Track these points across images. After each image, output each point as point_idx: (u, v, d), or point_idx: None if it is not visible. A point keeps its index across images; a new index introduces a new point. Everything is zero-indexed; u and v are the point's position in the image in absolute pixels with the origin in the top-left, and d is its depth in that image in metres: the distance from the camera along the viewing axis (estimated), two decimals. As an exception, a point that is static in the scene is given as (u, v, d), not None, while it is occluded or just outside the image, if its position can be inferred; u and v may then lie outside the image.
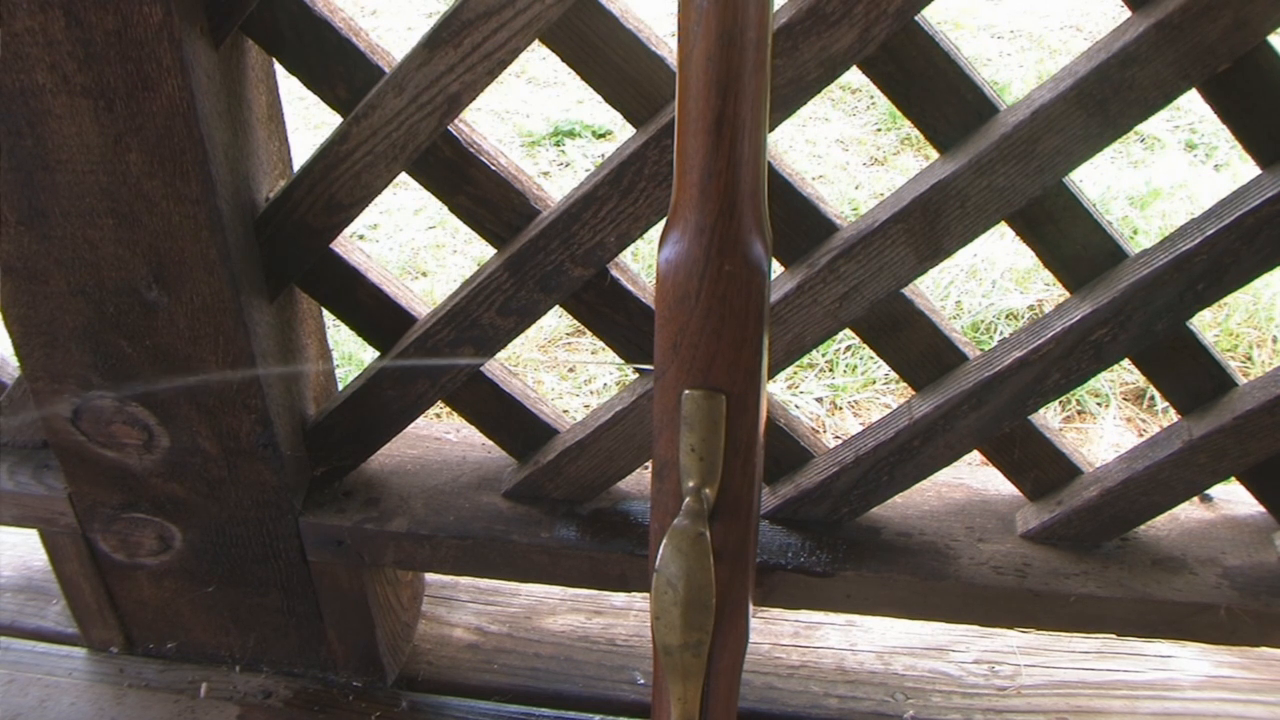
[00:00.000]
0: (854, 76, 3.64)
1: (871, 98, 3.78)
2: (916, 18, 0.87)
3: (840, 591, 1.12)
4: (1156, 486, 1.05)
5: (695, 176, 0.67)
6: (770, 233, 0.71)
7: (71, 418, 1.10)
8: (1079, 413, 2.45)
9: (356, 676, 1.30)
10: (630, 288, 1.04)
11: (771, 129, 0.79)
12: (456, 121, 0.97)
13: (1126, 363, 1.02)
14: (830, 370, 2.54)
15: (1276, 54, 0.87)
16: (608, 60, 0.92)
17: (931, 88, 0.92)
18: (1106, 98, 0.87)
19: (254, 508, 1.16)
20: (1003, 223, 0.95)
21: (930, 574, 1.09)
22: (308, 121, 3.50)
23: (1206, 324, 2.63)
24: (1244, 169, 3.26)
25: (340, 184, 0.98)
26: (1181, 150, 3.45)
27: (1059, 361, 0.99)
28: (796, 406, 2.45)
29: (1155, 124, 3.52)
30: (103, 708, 1.28)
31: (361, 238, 3.08)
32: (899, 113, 0.98)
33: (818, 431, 2.35)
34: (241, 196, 0.99)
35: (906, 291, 1.01)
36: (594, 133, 3.67)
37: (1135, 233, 3.01)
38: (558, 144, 3.62)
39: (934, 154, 0.96)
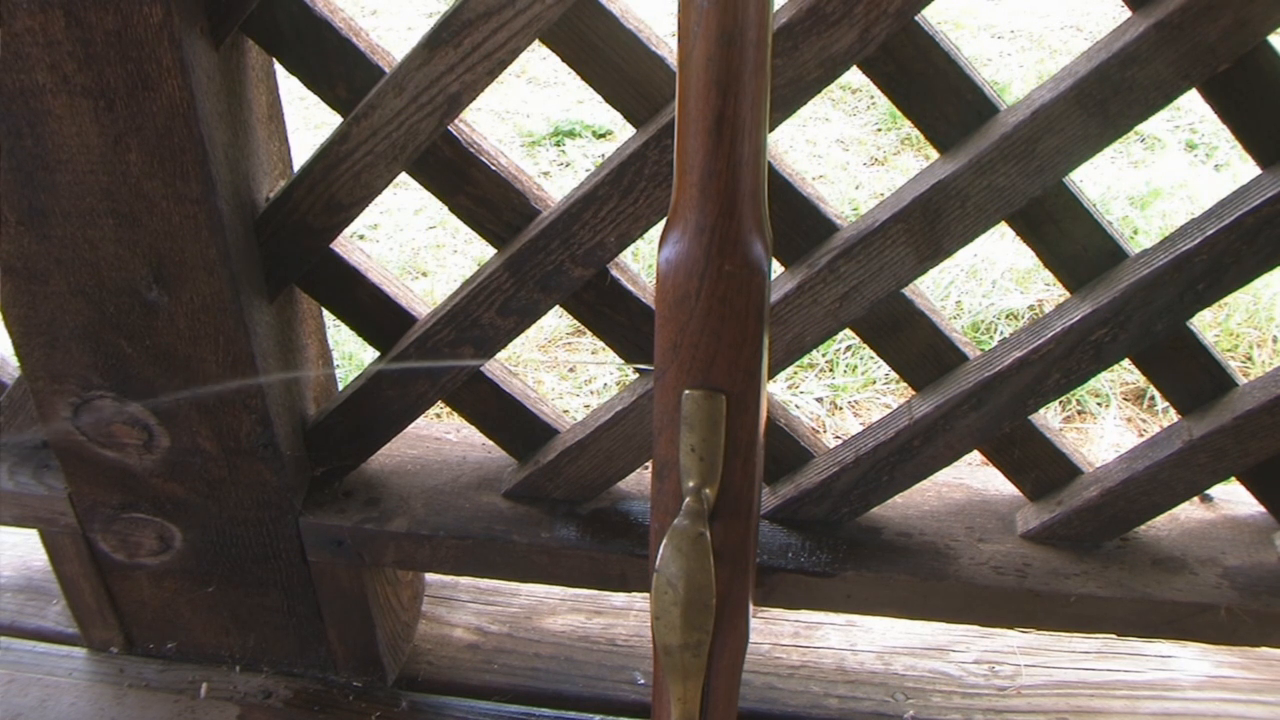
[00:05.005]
0: (854, 76, 3.64)
1: (871, 98, 3.78)
2: (916, 18, 0.87)
3: (840, 591, 1.12)
4: (1156, 486, 1.05)
5: (695, 176, 0.67)
6: (770, 233, 0.71)
7: (71, 418, 1.10)
8: (1079, 413, 2.45)
9: (356, 676, 1.30)
10: (630, 288, 1.04)
11: (771, 129, 0.79)
12: (456, 121, 0.97)
13: (1126, 363, 1.02)
14: (830, 370, 2.54)
15: (1276, 54, 0.87)
16: (608, 60, 0.92)
17: (931, 88, 0.92)
18: (1106, 98, 0.87)
19: (254, 508, 1.16)
20: (1003, 223, 0.95)
21: (930, 574, 1.09)
22: (308, 121, 3.50)
23: (1206, 324, 2.63)
24: (1244, 169, 3.26)
25: (340, 184, 0.98)
26: (1181, 150, 3.45)
27: (1059, 361, 0.99)
28: (796, 406, 2.45)
29: (1155, 124, 3.52)
30: (103, 708, 1.28)
31: (361, 238, 3.08)
32: (899, 113, 0.98)
33: (818, 431, 2.35)
34: (241, 196, 0.99)
35: (906, 291, 1.01)
36: (594, 133, 3.67)
37: (1135, 233, 3.01)
38: (558, 144, 3.62)
39: (934, 154, 0.96)
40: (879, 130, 3.63)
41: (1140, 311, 0.95)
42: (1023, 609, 1.10)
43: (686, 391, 0.72)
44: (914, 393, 1.08)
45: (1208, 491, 1.10)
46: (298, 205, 1.01)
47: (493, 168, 0.99)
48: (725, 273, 0.69)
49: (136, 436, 1.11)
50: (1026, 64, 4.04)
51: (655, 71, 0.92)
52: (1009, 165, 0.91)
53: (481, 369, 1.09)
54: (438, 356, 1.07)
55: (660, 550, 0.76)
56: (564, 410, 2.11)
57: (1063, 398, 2.11)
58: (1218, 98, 0.89)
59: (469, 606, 1.41)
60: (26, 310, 1.03)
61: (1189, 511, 1.14)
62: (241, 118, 0.98)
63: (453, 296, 1.05)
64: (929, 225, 0.94)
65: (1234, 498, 1.15)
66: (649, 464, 1.10)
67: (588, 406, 2.45)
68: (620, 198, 0.96)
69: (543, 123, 3.71)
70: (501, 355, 1.10)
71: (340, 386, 1.18)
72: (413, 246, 3.04)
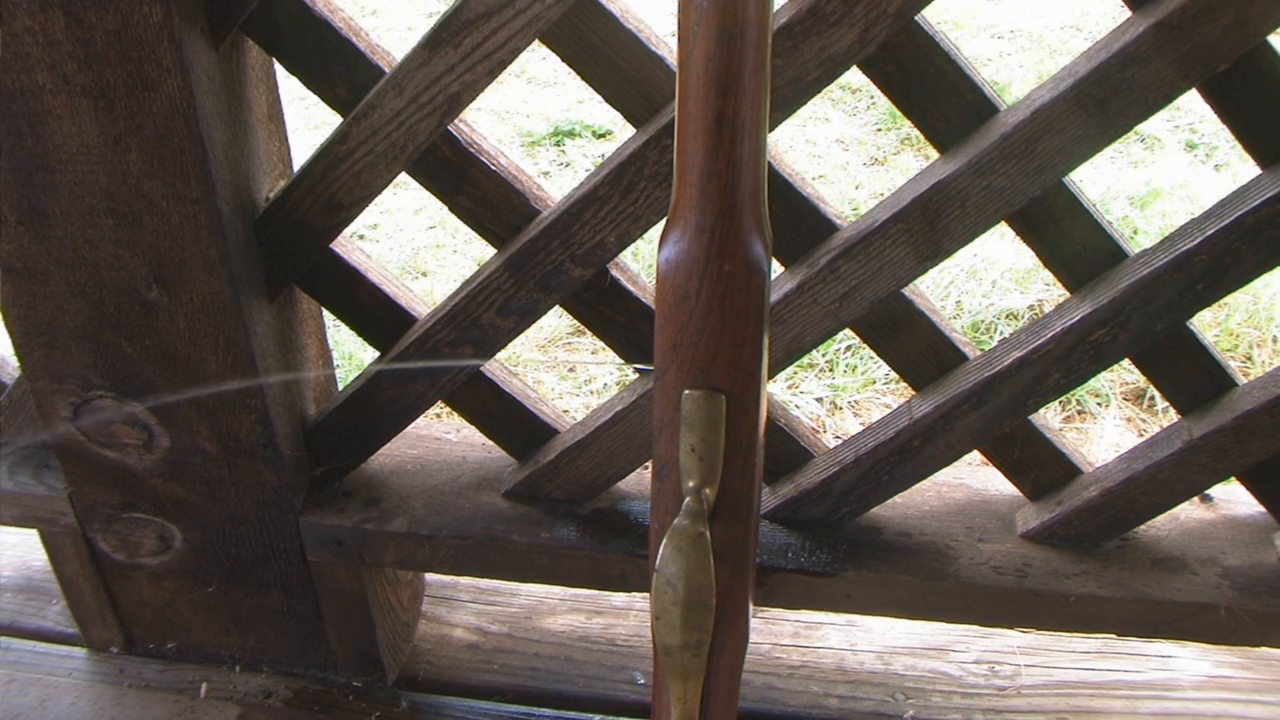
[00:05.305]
0: (854, 76, 3.64)
1: (871, 98, 3.78)
2: (916, 18, 0.87)
3: (840, 591, 1.12)
4: (1156, 486, 1.05)
5: (695, 176, 0.67)
6: (770, 233, 0.71)
7: (71, 418, 1.10)
8: (1079, 413, 2.45)
9: (356, 676, 1.30)
10: (630, 288, 1.04)
11: (771, 129, 0.79)
12: (456, 121, 0.97)
13: (1126, 363, 1.02)
14: (830, 370, 2.54)
15: (1276, 54, 0.87)
16: (608, 60, 0.92)
17: (931, 88, 0.92)
18: (1106, 98, 0.87)
19: (254, 508, 1.16)
20: (1003, 223, 0.95)
21: (930, 574, 1.09)
22: (308, 121, 3.50)
23: (1206, 324, 2.63)
24: (1244, 169, 3.26)
25: (340, 184, 0.98)
26: (1181, 150, 3.45)
27: (1059, 361, 0.99)
28: (796, 406, 2.45)
29: (1155, 124, 3.52)
30: (103, 708, 1.28)
31: (361, 238, 3.08)
32: (899, 113, 0.98)
33: (818, 431, 2.35)
34: (241, 196, 0.99)
35: (906, 291, 1.01)
36: (594, 133, 3.67)
37: (1135, 233, 3.01)
38: (558, 144, 3.62)
39: (934, 154, 0.96)
40: (879, 130, 3.63)
41: (1140, 311, 0.95)
42: (1023, 609, 1.10)
43: (686, 391, 0.72)
44: (914, 393, 1.08)
45: (1208, 491, 1.10)
46: (298, 205, 1.01)
47: (493, 168, 0.99)
48: (725, 273, 0.69)
49: (136, 436, 1.11)
50: (1026, 64, 4.04)
51: (655, 71, 0.92)
52: (1009, 165, 0.91)
53: (481, 369, 1.09)
54: (438, 356, 1.07)
55: (660, 550, 0.76)
56: (564, 410, 2.11)
57: (1063, 398, 2.11)
58: (1218, 98, 0.89)
59: (469, 606, 1.41)
60: (26, 310, 1.03)
61: (1189, 511, 1.14)
62: (241, 118, 0.98)
63: (453, 296, 1.05)
64: (929, 225, 0.94)
65: (1234, 498, 1.15)
66: (649, 464, 1.10)
67: (588, 406, 2.45)
68: (620, 198, 0.96)
69: (543, 123, 3.71)
70: (501, 355, 1.10)
71: (340, 386, 1.18)
72: (413, 246, 3.04)
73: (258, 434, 1.09)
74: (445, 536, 1.15)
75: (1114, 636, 1.12)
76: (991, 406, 1.02)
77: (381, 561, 1.19)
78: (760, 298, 0.70)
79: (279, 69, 1.03)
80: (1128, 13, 0.87)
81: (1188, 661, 1.31)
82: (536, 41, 0.90)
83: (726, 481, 0.75)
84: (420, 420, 1.15)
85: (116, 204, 0.95)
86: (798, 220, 0.98)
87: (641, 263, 2.83)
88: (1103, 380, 2.47)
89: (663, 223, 0.74)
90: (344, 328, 1.60)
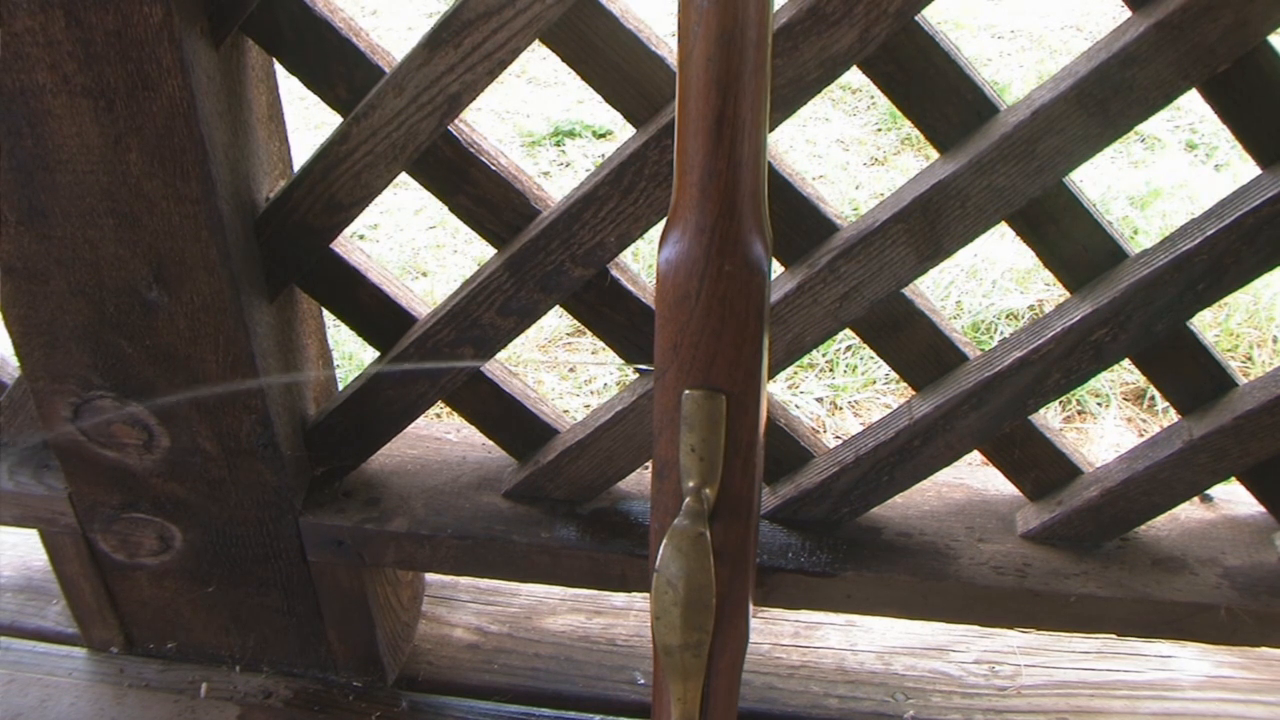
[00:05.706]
0: (854, 76, 3.64)
1: (871, 98, 3.78)
2: (916, 18, 0.87)
3: (840, 591, 1.12)
4: (1157, 486, 1.05)
5: (695, 177, 0.68)
6: (770, 233, 0.71)
7: (71, 418, 1.10)
8: (1079, 413, 2.45)
9: (356, 676, 1.30)
10: (630, 288, 1.04)
11: (771, 129, 0.79)
12: (456, 121, 0.97)
13: (1126, 363, 1.02)
14: (830, 370, 2.54)
15: (1276, 54, 0.87)
16: (608, 60, 0.92)
17: (931, 88, 0.92)
18: (1106, 98, 0.87)
19: (254, 508, 1.16)
20: (1003, 223, 0.95)
21: (930, 574, 1.09)
22: (308, 121, 3.50)
23: (1206, 324, 2.63)
24: (1244, 169, 3.26)
25: (340, 184, 0.98)
26: (1181, 150, 3.45)
27: (1059, 361, 0.99)
28: (796, 406, 2.45)
29: (1155, 124, 3.52)
30: (103, 708, 1.28)
31: (361, 238, 3.08)
32: (899, 113, 0.98)
33: (818, 431, 2.35)
34: (241, 196, 0.99)
35: (907, 291, 1.01)
36: (594, 133, 3.67)
37: (1135, 233, 3.01)
38: (558, 144, 3.62)
39: (934, 154, 0.96)
40: (879, 130, 3.63)
41: (1140, 311, 0.95)
42: (1023, 609, 1.10)
43: (686, 391, 0.72)
44: (914, 393, 1.08)
45: (1208, 491, 1.10)
46: (298, 205, 1.01)
47: (493, 168, 0.99)
48: (725, 273, 0.69)
49: (136, 436, 1.11)
50: (1026, 64, 4.04)
51: (655, 71, 0.92)
52: (1009, 165, 0.91)
53: (481, 369, 1.09)
54: (438, 357, 1.07)
55: (660, 550, 0.76)
56: (564, 410, 2.11)
57: (1063, 398, 2.11)
58: (1218, 98, 0.89)
59: (469, 606, 1.41)
60: (26, 310, 1.03)
61: (1189, 511, 1.14)
62: (241, 118, 0.98)
63: (453, 296, 1.05)
64: (929, 225, 0.94)
65: (1234, 498, 1.15)
66: (649, 464, 1.10)
67: (588, 406, 2.45)
68: (620, 198, 0.96)
69: (543, 123, 3.71)
70: (501, 355, 1.10)
71: (340, 386, 1.18)
72: (413, 246, 3.04)
73: (258, 434, 1.09)
74: (445, 536, 1.15)
75: (1114, 636, 1.12)
76: (992, 406, 1.02)
77: (381, 561, 1.19)
78: (760, 298, 0.70)
79: (279, 69, 1.03)
80: (1128, 13, 0.87)
81: (1188, 661, 1.31)
82: (536, 41, 0.90)
83: (726, 481, 0.75)
84: (420, 420, 1.15)
85: (116, 204, 0.95)
86: (798, 220, 0.98)
87: (641, 263, 2.83)
88: (1103, 380, 2.47)
89: (663, 223, 0.74)
90: (344, 328, 1.60)
